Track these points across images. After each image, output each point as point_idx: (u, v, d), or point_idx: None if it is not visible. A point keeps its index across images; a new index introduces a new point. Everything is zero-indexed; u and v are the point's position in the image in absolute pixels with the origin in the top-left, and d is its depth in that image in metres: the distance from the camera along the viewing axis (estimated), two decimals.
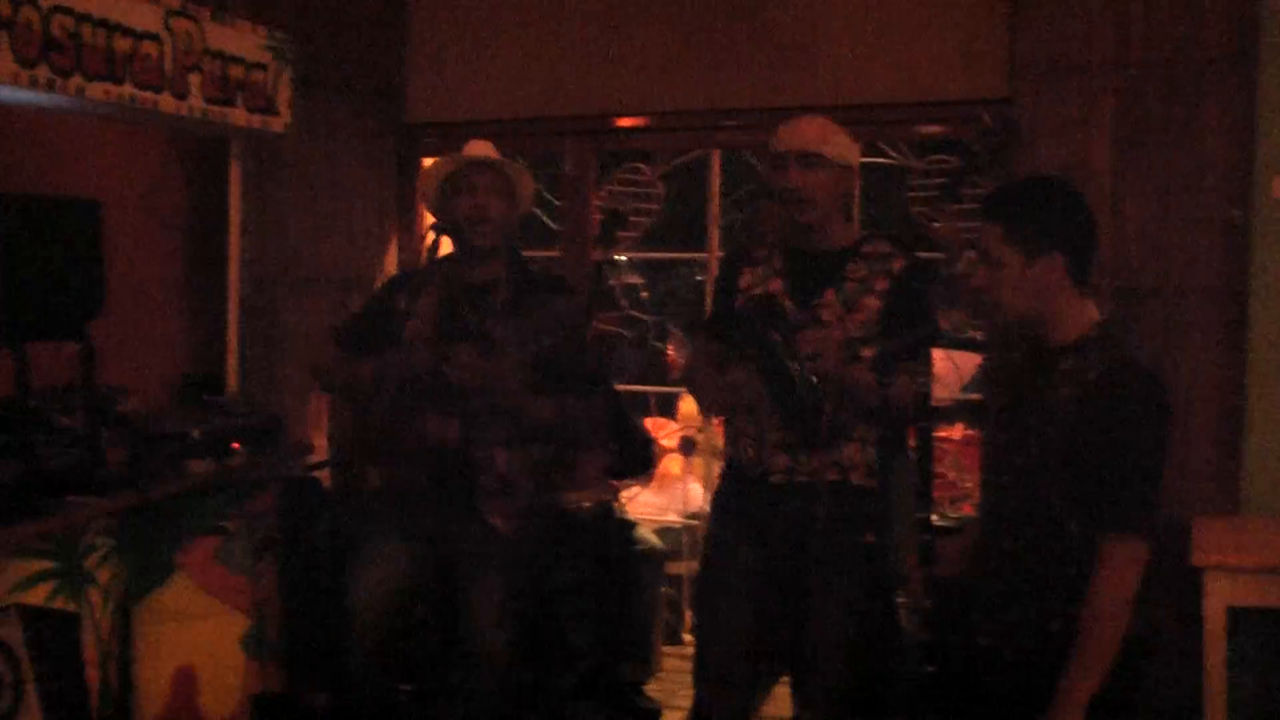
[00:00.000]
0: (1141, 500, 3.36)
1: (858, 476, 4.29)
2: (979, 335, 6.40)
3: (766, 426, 4.34)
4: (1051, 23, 5.70)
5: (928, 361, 4.39)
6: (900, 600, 3.62)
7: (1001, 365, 4.70)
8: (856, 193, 4.86)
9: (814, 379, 4.10)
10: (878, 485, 4.31)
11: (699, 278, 7.12)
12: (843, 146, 4.40)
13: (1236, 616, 4.89)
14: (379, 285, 5.43)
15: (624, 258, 8.30)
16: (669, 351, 9.39)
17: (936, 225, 6.39)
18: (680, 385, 6.23)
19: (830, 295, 4.34)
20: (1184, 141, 5.52)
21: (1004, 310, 3.57)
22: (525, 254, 5.08)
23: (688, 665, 4.79)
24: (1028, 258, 3.48)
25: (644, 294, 8.91)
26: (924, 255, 5.66)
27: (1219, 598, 4.77)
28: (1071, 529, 3.41)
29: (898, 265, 4.38)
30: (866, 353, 4.14)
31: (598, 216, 6.71)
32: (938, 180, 6.69)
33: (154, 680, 5.12)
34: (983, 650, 3.61)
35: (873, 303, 4.31)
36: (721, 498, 4.64)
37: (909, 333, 4.14)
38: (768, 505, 4.36)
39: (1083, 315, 3.52)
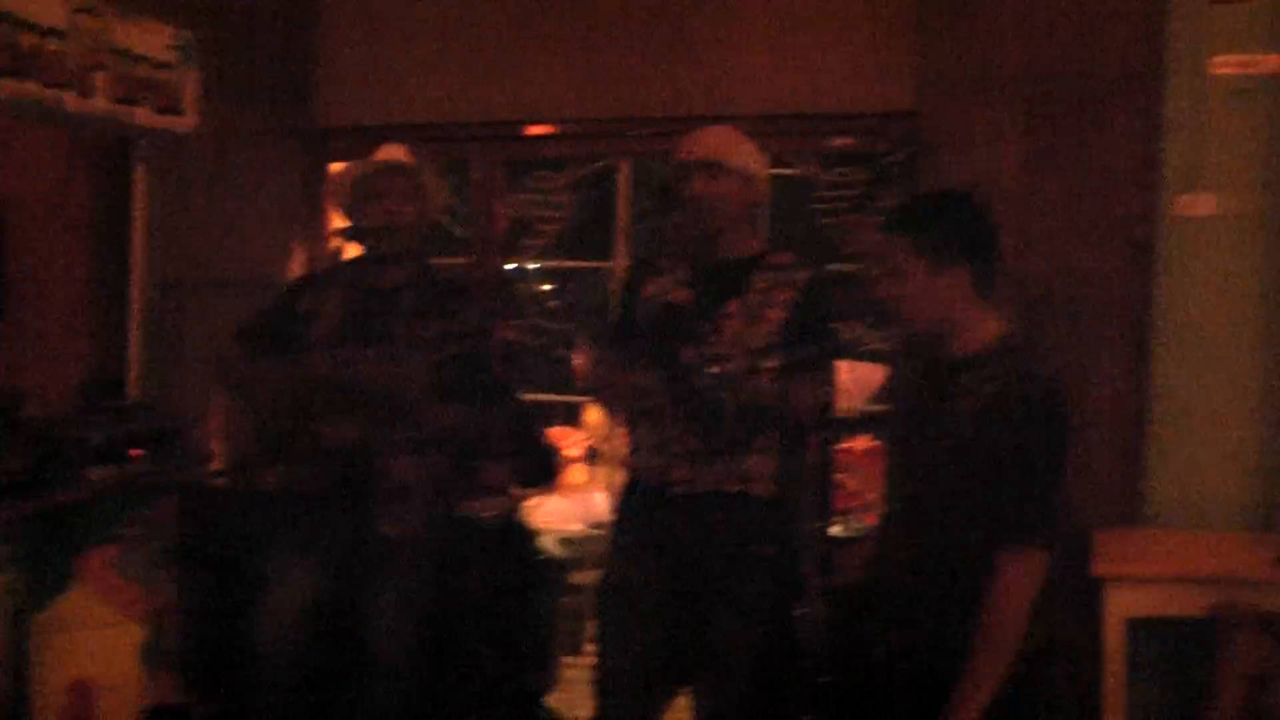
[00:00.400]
0: (1040, 512, 3.37)
1: (759, 488, 4.30)
2: (884, 348, 6.43)
3: (668, 436, 4.34)
4: (960, 37, 5.74)
5: (830, 373, 4.39)
6: (800, 611, 3.61)
7: (905, 377, 4.72)
8: (765, 204, 4.84)
9: (716, 386, 4.10)
10: (779, 496, 4.31)
11: (609, 286, 7.10)
12: (747, 156, 4.41)
13: (1136, 626, 4.94)
14: (285, 286, 5.36)
15: (532, 266, 8.26)
16: (576, 360, 9.36)
17: (847, 239, 6.40)
18: (584, 393, 6.19)
19: (734, 306, 4.34)
20: (1091, 158, 5.58)
21: (909, 321, 3.58)
22: (433, 260, 5.04)
23: (589, 675, 4.77)
24: (933, 269, 3.49)
25: (551, 303, 8.88)
26: (833, 268, 5.69)
27: (1118, 608, 4.83)
28: (971, 539, 3.41)
29: (801, 277, 4.39)
30: (769, 364, 4.15)
31: (504, 224, 6.68)
32: (846, 193, 6.72)
33: (49, 691, 5.05)
34: (881, 660, 3.60)
35: (776, 314, 4.32)
36: (623, 508, 4.63)
37: (811, 344, 4.14)
38: (669, 516, 4.37)
39: (986, 327, 3.53)
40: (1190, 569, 4.88)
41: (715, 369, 4.15)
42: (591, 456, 7.64)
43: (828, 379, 4.31)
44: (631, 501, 4.59)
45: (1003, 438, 3.35)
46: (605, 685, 4.56)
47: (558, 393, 8.32)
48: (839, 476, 6.21)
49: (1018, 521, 3.35)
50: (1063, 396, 3.47)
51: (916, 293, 3.51)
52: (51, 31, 5.08)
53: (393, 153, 4.80)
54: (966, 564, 3.41)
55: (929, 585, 3.49)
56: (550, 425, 8.02)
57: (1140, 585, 4.84)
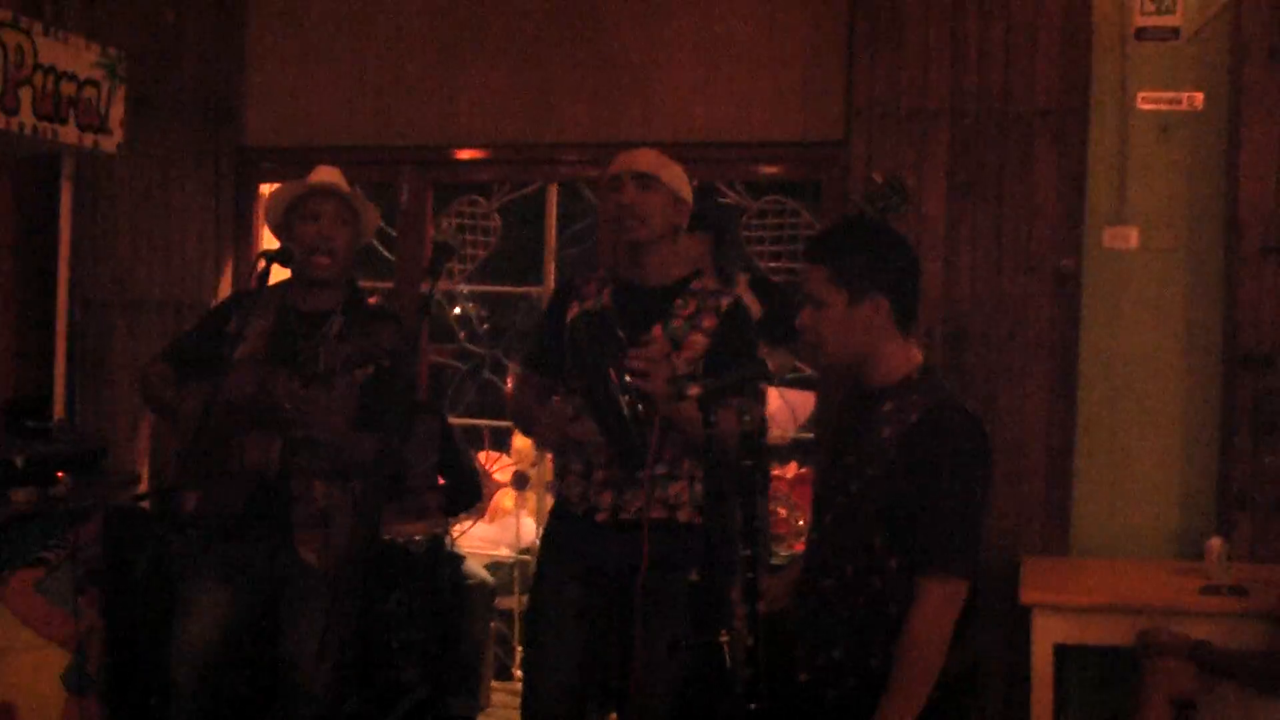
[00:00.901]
0: (959, 541, 3.39)
1: (684, 514, 4.32)
2: (816, 375, 6.45)
3: (593, 464, 4.36)
4: (887, 68, 5.77)
5: (756, 399, 4.40)
6: (724, 638, 3.61)
7: (831, 405, 4.74)
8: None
9: (640, 408, 4.10)
10: (703, 523, 4.32)
11: (539, 309, 7.13)
12: (677, 178, 4.44)
13: (1063, 654, 4.98)
14: (214, 306, 5.32)
15: (462, 289, 8.24)
16: (506, 385, 9.35)
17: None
18: (509, 419, 6.19)
19: (658, 330, 4.34)
20: (1017, 190, 5.63)
21: (828, 351, 3.58)
22: (361, 284, 5.03)
23: (517, 701, 4.77)
24: (852, 299, 3.49)
25: (482, 327, 8.87)
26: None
27: (1046, 635, 4.84)
28: (891, 567, 3.42)
29: (725, 303, 4.41)
30: (693, 390, 4.14)
31: (431, 249, 6.67)
32: (773, 220, 6.75)
33: None
34: (804, 687, 3.61)
35: (699, 340, 4.34)
36: (549, 535, 4.63)
37: (735, 370, 4.14)
38: (593, 543, 4.38)
39: (906, 357, 3.55)
40: (1117, 597, 4.91)
41: (637, 393, 4.15)
42: (520, 482, 7.63)
43: (753, 405, 4.30)
44: (556, 529, 4.59)
45: (924, 467, 3.37)
46: (531, 713, 4.55)
47: (487, 417, 8.31)
48: (771, 505, 6.23)
49: (936, 550, 3.37)
50: (980, 427, 3.49)
51: (836, 322, 3.52)
52: None
53: (326, 175, 4.79)
54: (887, 592, 3.43)
55: (850, 613, 3.50)
56: (479, 450, 8.02)
57: (1067, 613, 4.87)
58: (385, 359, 4.48)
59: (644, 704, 4.37)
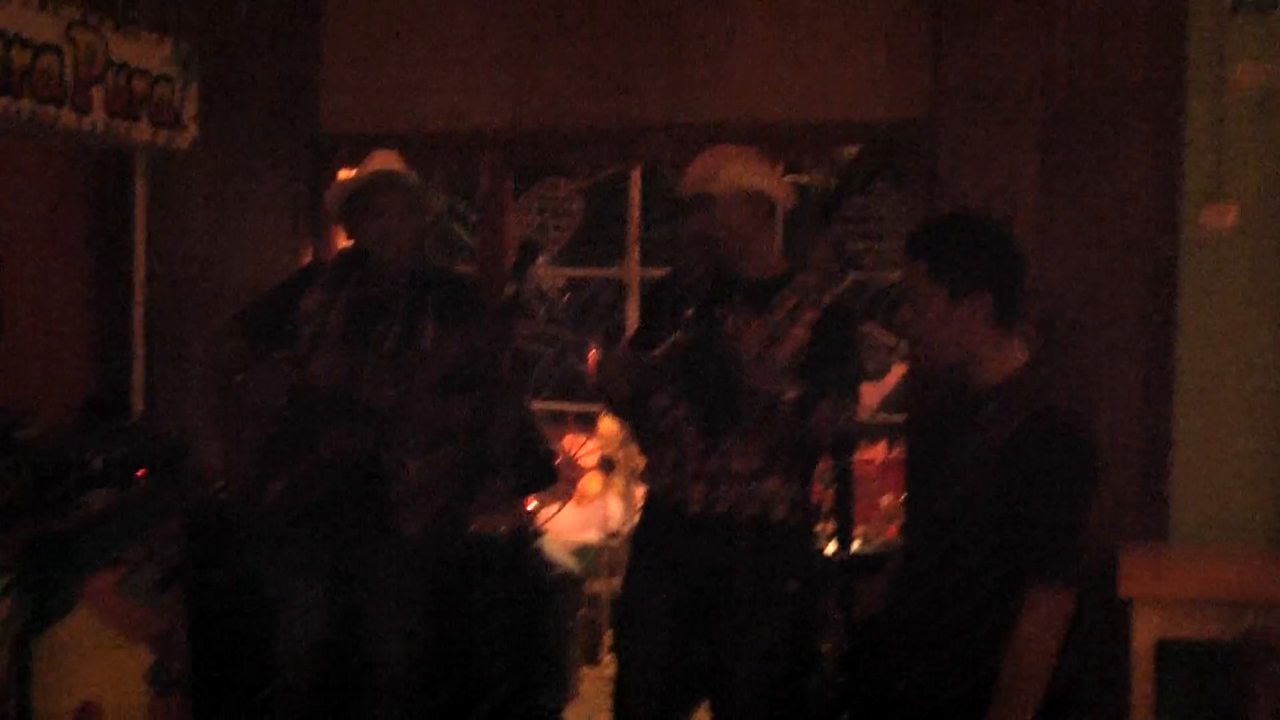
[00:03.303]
0: (1067, 550, 3.29)
1: (779, 513, 4.22)
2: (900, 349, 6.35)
3: (686, 457, 4.27)
4: (975, 45, 5.61)
5: (854, 397, 4.30)
6: (821, 645, 3.55)
7: (925, 404, 4.65)
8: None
9: (740, 407, 4.04)
10: (798, 520, 4.24)
11: (620, 291, 7.07)
12: (743, 175, 4.33)
13: (1165, 650, 4.84)
14: (287, 277, 5.26)
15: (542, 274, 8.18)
16: (588, 364, 9.31)
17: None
18: (594, 387, 6.09)
19: (758, 325, 4.24)
20: (1111, 169, 5.46)
21: (927, 350, 3.49)
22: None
23: (607, 688, 4.75)
24: (952, 296, 3.40)
25: (562, 310, 8.82)
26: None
27: (1147, 630, 4.70)
28: (994, 575, 3.33)
29: (827, 299, 4.30)
30: (792, 385, 4.07)
31: (514, 237, 6.60)
32: (857, 200, 6.64)
33: (55, 716, 4.98)
34: (900, 698, 3.52)
35: (800, 334, 4.25)
36: (640, 533, 4.59)
37: (834, 366, 4.07)
38: (685, 539, 4.31)
39: (1009, 357, 3.44)
40: (1222, 590, 4.76)
41: (737, 389, 4.08)
42: (607, 465, 7.57)
43: (851, 403, 4.22)
44: (647, 523, 4.54)
45: (1029, 475, 3.28)
46: (623, 708, 4.53)
47: (571, 401, 8.26)
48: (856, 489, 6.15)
49: (1045, 560, 3.28)
50: (1087, 431, 3.39)
51: (935, 320, 3.43)
52: (46, 47, 5.00)
53: (386, 160, 4.72)
54: (990, 600, 3.34)
55: (951, 620, 3.41)
56: (564, 433, 7.97)
57: (1169, 607, 4.72)
58: (467, 339, 4.40)
59: (736, 707, 4.31)
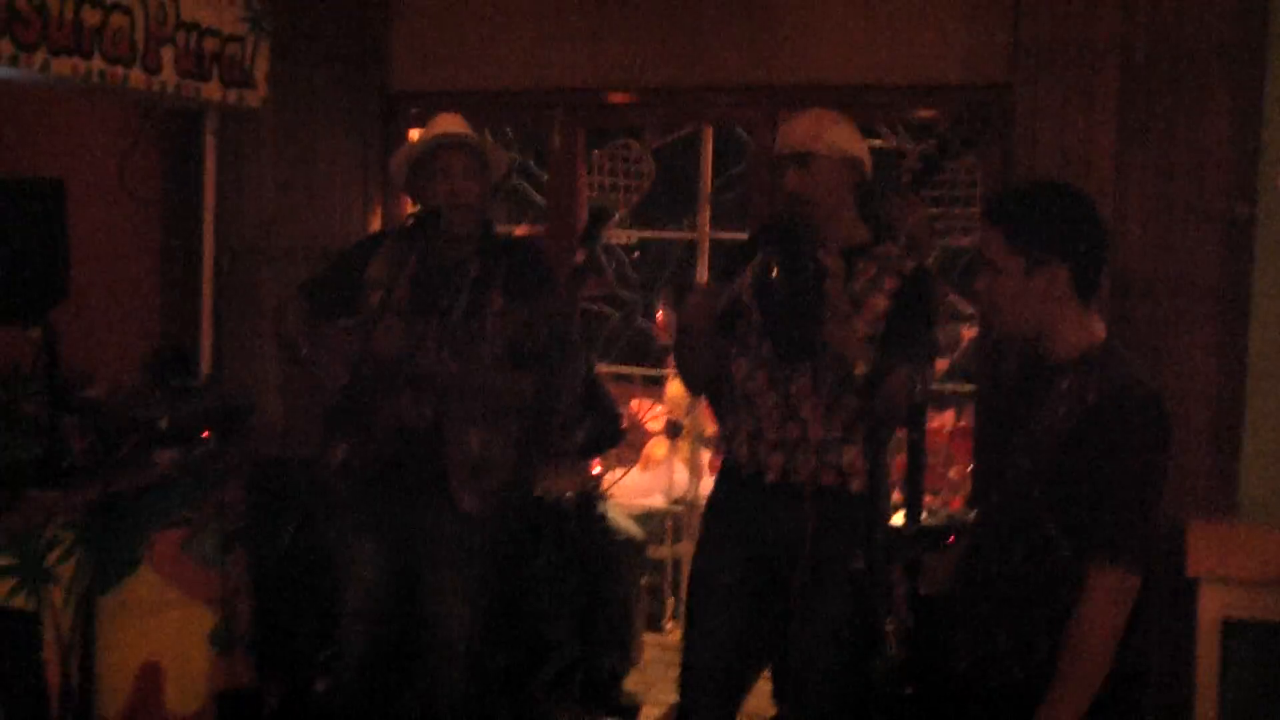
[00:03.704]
0: (1135, 531, 3.23)
1: (857, 484, 4.18)
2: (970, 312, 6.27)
3: (764, 424, 4.24)
4: (1054, 6, 5.53)
5: (930, 370, 4.25)
6: (890, 626, 3.51)
7: (1000, 374, 4.60)
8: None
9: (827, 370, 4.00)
10: (872, 492, 4.20)
11: (691, 252, 7.04)
12: (842, 139, 4.26)
13: (1231, 628, 4.77)
14: (351, 246, 5.24)
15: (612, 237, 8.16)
16: (658, 319, 9.26)
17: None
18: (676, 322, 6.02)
19: (840, 290, 4.18)
20: (1189, 130, 5.38)
21: (1004, 319, 3.44)
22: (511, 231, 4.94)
23: (669, 656, 4.72)
24: (1029, 266, 3.34)
25: (633, 272, 8.79)
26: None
27: (1214, 609, 4.67)
28: (1062, 554, 3.28)
29: (908, 267, 4.25)
30: (866, 358, 4.01)
31: (586, 195, 6.57)
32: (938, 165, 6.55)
33: (118, 676, 5.01)
34: (964, 674, 3.49)
35: (880, 302, 4.20)
36: (715, 501, 4.53)
37: (913, 339, 4.02)
38: (761, 509, 4.27)
39: (1086, 331, 3.38)
40: None
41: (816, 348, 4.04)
42: (673, 430, 7.54)
43: (928, 375, 4.17)
44: (722, 491, 4.49)
45: (1101, 451, 3.21)
46: (690, 679, 4.48)
47: (638, 365, 8.23)
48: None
49: (1111, 539, 3.21)
50: (1163, 411, 3.30)
51: (1012, 290, 3.37)
52: (117, 6, 5.00)
53: (450, 124, 4.68)
54: (1058, 579, 3.29)
55: (1016, 600, 3.37)
56: (632, 397, 7.96)
57: (1236, 586, 4.68)
58: (534, 309, 4.38)
59: (801, 689, 4.27)
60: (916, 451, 3.51)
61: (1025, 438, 3.38)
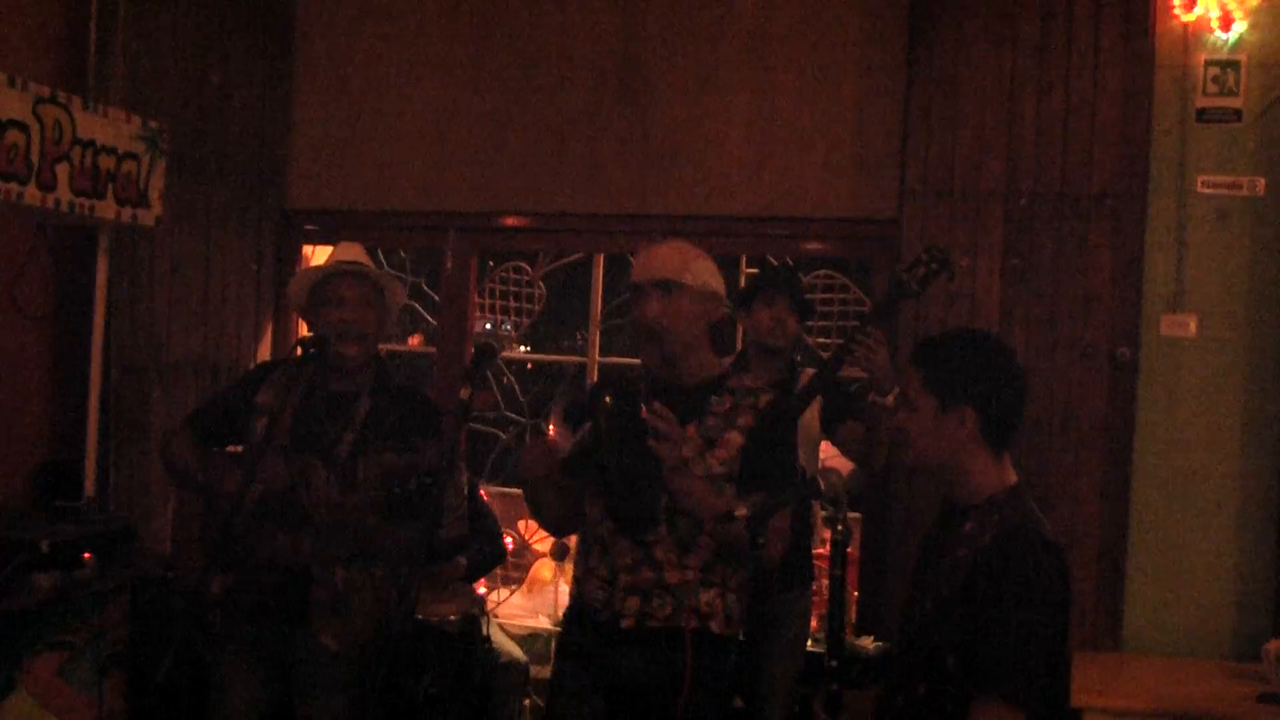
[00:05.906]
0: (1019, 668, 3.25)
1: (716, 625, 4.07)
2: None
3: (619, 565, 4.10)
4: (942, 146, 5.68)
5: (791, 504, 4.20)
6: None
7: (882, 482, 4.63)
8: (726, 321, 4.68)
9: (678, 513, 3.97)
10: (739, 635, 4.14)
11: (581, 379, 7.06)
12: (706, 273, 4.19)
13: None
14: (242, 375, 5.26)
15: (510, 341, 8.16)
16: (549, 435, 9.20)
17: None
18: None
19: (691, 430, 4.12)
20: (1073, 274, 5.53)
21: (913, 453, 3.50)
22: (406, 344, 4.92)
23: None
24: (941, 407, 3.42)
25: (521, 396, 8.79)
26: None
27: None
28: (959, 690, 3.30)
29: (764, 400, 4.20)
30: (740, 510, 3.92)
31: (477, 318, 6.59)
32: (823, 295, 6.63)
33: None
34: None
35: (735, 438, 4.11)
36: (567, 642, 4.34)
37: (787, 493, 3.98)
38: (619, 653, 4.11)
39: (994, 477, 3.44)
40: (1171, 703, 4.76)
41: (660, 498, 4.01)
42: (559, 552, 7.51)
43: (789, 515, 4.13)
44: (575, 635, 4.29)
45: (988, 588, 3.25)
46: None
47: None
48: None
49: (992, 674, 3.24)
50: (1058, 554, 3.36)
51: (924, 427, 3.44)
52: (12, 124, 4.96)
53: (349, 252, 4.68)
54: (956, 713, 3.30)
55: None
56: (519, 519, 7.92)
57: (1120, 718, 4.72)
58: (428, 477, 4.36)
59: None
60: (838, 587, 3.53)
61: (932, 576, 3.44)
